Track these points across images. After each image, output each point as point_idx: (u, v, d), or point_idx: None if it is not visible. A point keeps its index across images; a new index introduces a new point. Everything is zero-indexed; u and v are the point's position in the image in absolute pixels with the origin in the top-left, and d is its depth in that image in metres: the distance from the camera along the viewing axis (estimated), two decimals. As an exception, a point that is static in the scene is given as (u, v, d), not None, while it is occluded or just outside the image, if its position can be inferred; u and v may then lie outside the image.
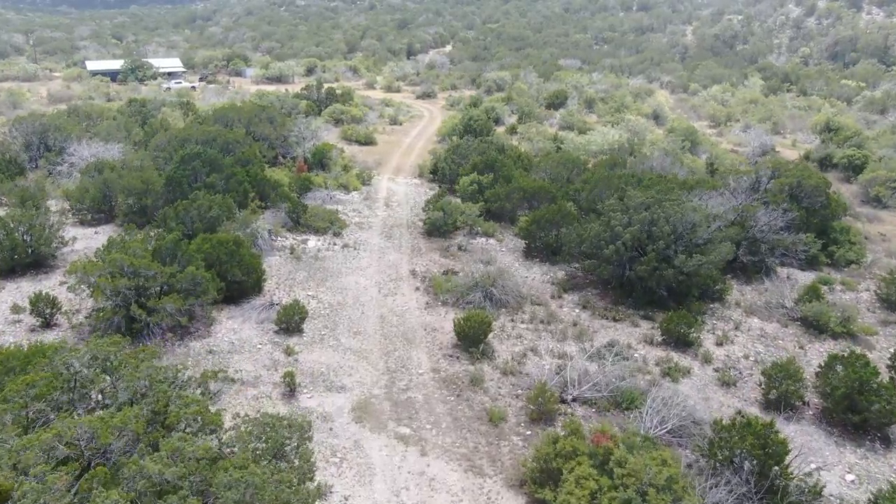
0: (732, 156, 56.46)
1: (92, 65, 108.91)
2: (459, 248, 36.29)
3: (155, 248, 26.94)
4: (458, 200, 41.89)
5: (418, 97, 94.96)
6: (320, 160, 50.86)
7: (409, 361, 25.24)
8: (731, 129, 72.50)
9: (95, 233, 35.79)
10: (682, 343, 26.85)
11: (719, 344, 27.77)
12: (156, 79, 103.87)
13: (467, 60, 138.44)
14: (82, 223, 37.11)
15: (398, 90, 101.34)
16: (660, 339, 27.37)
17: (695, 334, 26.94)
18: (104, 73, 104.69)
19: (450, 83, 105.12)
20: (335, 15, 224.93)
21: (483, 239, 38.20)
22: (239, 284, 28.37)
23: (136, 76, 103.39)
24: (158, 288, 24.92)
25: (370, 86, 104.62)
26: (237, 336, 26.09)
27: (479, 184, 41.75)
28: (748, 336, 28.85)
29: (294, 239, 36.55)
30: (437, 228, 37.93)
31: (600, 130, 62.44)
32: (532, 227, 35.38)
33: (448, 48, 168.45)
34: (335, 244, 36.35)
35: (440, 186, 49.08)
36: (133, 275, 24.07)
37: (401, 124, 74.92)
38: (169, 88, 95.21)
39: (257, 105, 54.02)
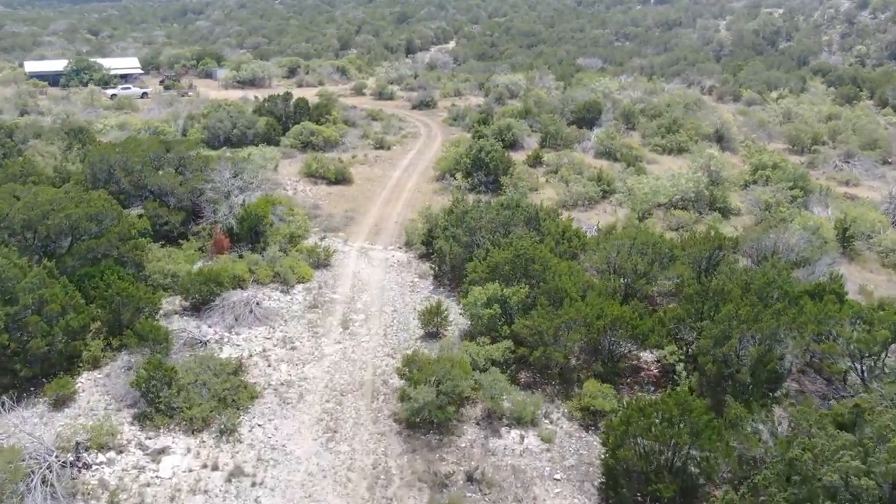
0: (865, 212, 37.16)
1: (31, 65, 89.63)
2: (470, 479, 17.27)
3: None
4: (464, 327, 22.92)
5: (415, 107, 75.64)
6: (252, 228, 31.87)
7: None
8: (821, 155, 53.18)
9: None
10: None
11: None
12: (108, 83, 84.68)
13: (473, 59, 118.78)
14: None
15: (391, 97, 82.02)
16: None
17: None
18: (43, 76, 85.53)
19: (453, 88, 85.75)
20: (332, 8, 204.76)
21: (515, 434, 19.22)
22: None
23: (82, 79, 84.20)
24: None
25: (359, 91, 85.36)
26: None
27: (502, 303, 22.75)
28: None
29: (131, 454, 17.59)
30: (426, 420, 19.01)
31: (666, 169, 43.26)
32: (625, 428, 16.48)
33: (451, 45, 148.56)
34: (215, 467, 17.40)
35: (435, 268, 30.03)
36: None
37: (389, 148, 55.69)
38: (114, 95, 76.04)
39: (160, 141, 34.76)
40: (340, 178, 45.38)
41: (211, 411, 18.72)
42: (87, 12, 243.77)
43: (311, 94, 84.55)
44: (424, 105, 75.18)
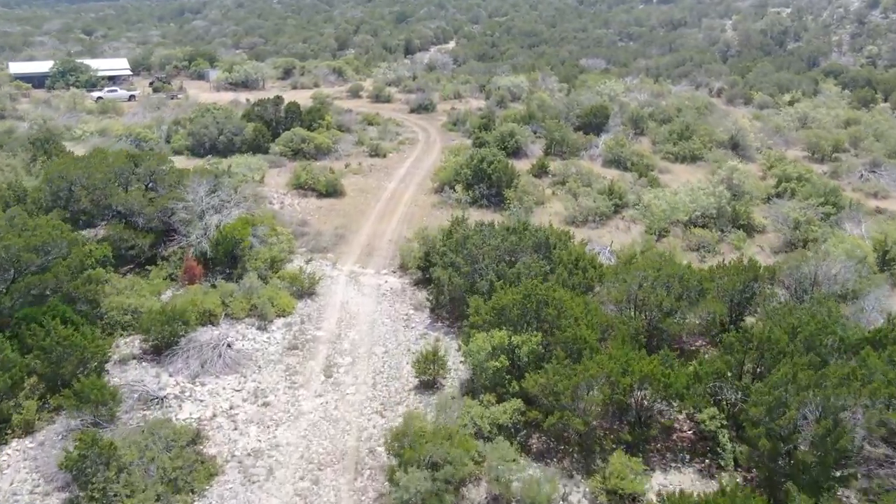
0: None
1: (16, 66, 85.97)
2: None
3: None
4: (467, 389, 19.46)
5: (413, 110, 72.07)
6: (229, 252, 28.40)
7: None
8: (844, 164, 49.64)
9: None
10: None
11: None
12: (95, 84, 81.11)
13: (473, 60, 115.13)
14: None
15: (388, 99, 78.42)
16: None
17: None
18: (28, 78, 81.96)
19: (452, 90, 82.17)
20: (330, 8, 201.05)
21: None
22: None
23: (67, 81, 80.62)
24: None
25: (355, 94, 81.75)
26: None
27: (510, 352, 19.30)
28: None
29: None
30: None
31: (682, 181, 39.80)
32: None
33: (451, 45, 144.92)
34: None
35: (432, 300, 26.56)
36: None
37: (384, 156, 52.15)
38: (100, 98, 72.51)
39: (128, 155, 31.17)
40: (331, 191, 41.87)
41: (157, 500, 15.24)
42: (84, 12, 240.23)
43: (305, 97, 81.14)
44: (423, 108, 71.64)
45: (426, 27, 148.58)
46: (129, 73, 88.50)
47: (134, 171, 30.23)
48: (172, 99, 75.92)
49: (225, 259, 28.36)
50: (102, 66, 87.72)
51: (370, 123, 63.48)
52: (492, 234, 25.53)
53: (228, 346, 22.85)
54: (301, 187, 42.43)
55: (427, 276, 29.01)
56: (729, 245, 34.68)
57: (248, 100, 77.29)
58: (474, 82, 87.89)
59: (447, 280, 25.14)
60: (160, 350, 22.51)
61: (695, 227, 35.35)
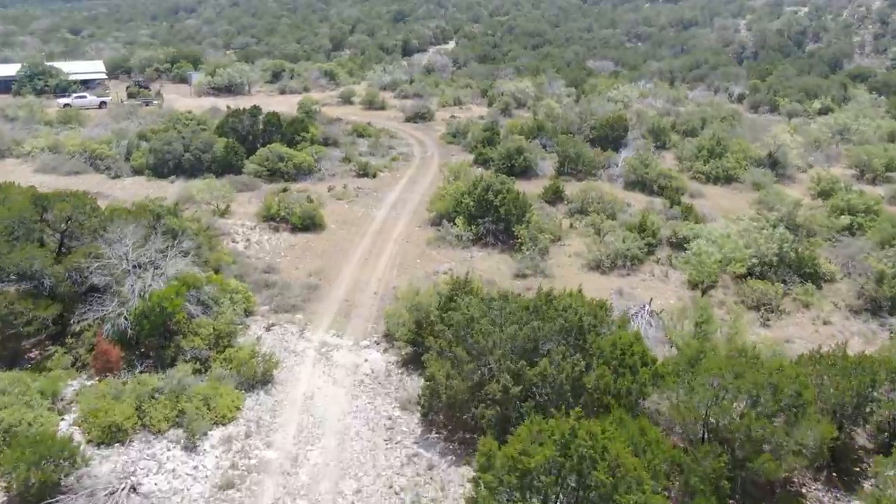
0: None
1: (-19, 70, 78.86)
2: None
3: None
4: None
5: (408, 119, 64.87)
6: (158, 328, 21.33)
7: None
8: (899, 186, 42.60)
9: None
10: None
11: None
12: (66, 89, 73.90)
13: (474, 61, 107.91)
14: None
15: (382, 106, 71.18)
16: None
17: None
18: (-6, 82, 74.85)
19: (452, 96, 74.97)
20: (326, 6, 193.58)
21: None
22: None
23: (35, 86, 73.43)
24: None
25: (346, 100, 74.51)
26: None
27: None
28: None
29: None
30: None
31: (723, 212, 32.72)
32: None
33: (451, 45, 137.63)
34: None
35: (425, 403, 19.51)
36: None
37: (374, 175, 45.03)
38: (67, 105, 65.39)
39: (34, 196, 23.91)
40: (308, 223, 34.79)
41: None
42: (78, 10, 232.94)
43: (293, 103, 73.90)
44: (420, 117, 64.48)
45: (425, 27, 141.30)
46: (104, 76, 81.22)
47: (42, 218, 23.12)
48: (146, 106, 68.72)
49: (153, 337, 21.29)
50: (76, 69, 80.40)
51: (360, 135, 56.33)
52: (506, 317, 18.44)
53: (133, 489, 15.81)
54: (272, 219, 35.35)
55: (419, 350, 22.04)
56: (795, 302, 27.65)
57: (228, 107, 69.99)
58: (476, 87, 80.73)
59: (444, 380, 18.09)
60: None
61: (751, 276, 28.30)
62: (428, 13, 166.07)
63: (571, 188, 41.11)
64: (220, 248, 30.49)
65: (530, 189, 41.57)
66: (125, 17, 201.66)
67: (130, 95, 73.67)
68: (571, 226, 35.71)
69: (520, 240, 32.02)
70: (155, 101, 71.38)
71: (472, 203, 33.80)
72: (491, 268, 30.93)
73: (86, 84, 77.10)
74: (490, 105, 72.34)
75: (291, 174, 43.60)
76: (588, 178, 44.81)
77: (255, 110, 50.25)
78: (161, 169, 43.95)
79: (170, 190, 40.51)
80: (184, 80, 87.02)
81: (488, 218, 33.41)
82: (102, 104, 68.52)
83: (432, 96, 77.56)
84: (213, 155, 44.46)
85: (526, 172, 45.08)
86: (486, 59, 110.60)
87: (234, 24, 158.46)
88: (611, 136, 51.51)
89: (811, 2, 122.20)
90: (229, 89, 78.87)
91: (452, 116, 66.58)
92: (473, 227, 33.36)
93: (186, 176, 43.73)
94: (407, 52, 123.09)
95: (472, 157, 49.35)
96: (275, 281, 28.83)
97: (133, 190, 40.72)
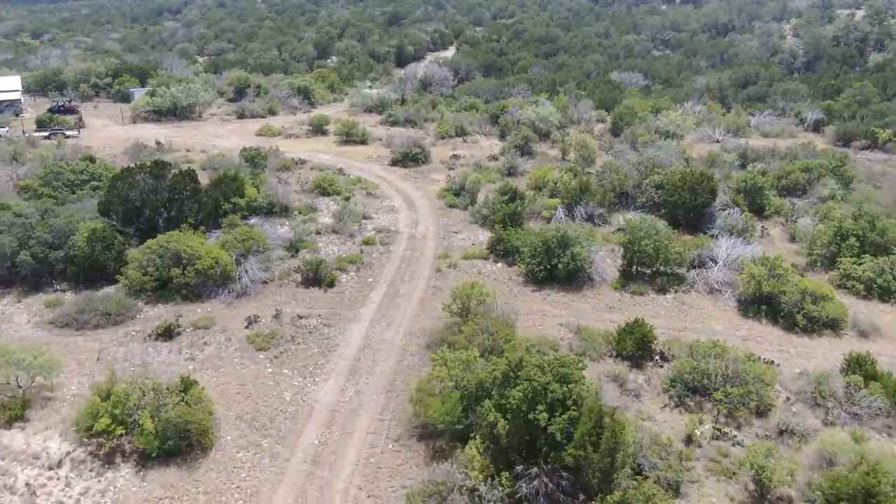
0: None
1: None
2: None
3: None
4: None
5: (396, 161, 46.90)
6: None
7: None
8: None
9: None
10: None
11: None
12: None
13: (478, 72, 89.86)
14: None
15: (363, 139, 53.22)
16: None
17: None
18: None
19: (453, 122, 57.04)
20: (317, 8, 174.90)
21: None
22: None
23: (-80, 110, 55.54)
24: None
25: (318, 129, 56.59)
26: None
27: None
28: None
29: None
30: None
31: None
32: None
33: (451, 51, 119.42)
34: None
35: None
36: None
37: (330, 284, 27.23)
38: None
39: None
40: (176, 445, 17.03)
41: None
42: (59, 11, 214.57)
43: (248, 133, 55.95)
44: (412, 159, 46.52)
45: (422, 30, 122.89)
46: (16, 97, 63.08)
47: None
48: (50, 138, 50.89)
49: None
50: (-17, 87, 62.47)
51: (325, 192, 38.49)
52: None
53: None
54: (107, 435, 17.53)
55: None
56: None
57: (158, 143, 52.37)
58: (482, 110, 62.64)
59: None
60: None
61: None
62: (426, 15, 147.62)
63: (653, 307, 23.53)
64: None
65: (582, 308, 24.03)
66: (102, 19, 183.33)
67: (40, 124, 55.69)
68: (698, 442, 17.90)
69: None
70: (69, 133, 53.42)
71: (505, 426, 15.90)
72: None
73: (-6, 106, 59.22)
74: (503, 136, 54.47)
75: (192, 289, 25.80)
76: (673, 288, 27.13)
77: (159, 168, 32.27)
78: (-16, 274, 26.19)
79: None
80: (126, 98, 69.01)
81: (536, 464, 15.55)
82: (-4, 136, 50.57)
83: (428, 122, 59.72)
84: (68, 252, 26.58)
85: (573, 277, 27.37)
86: (491, 70, 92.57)
87: (213, 27, 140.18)
88: (690, 203, 33.70)
89: (867, 3, 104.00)
90: (175, 113, 60.87)
91: (454, 156, 48.65)
92: (506, 477, 15.52)
93: (26, 290, 26.09)
94: (401, 60, 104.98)
95: (484, 240, 31.67)
96: None
97: None
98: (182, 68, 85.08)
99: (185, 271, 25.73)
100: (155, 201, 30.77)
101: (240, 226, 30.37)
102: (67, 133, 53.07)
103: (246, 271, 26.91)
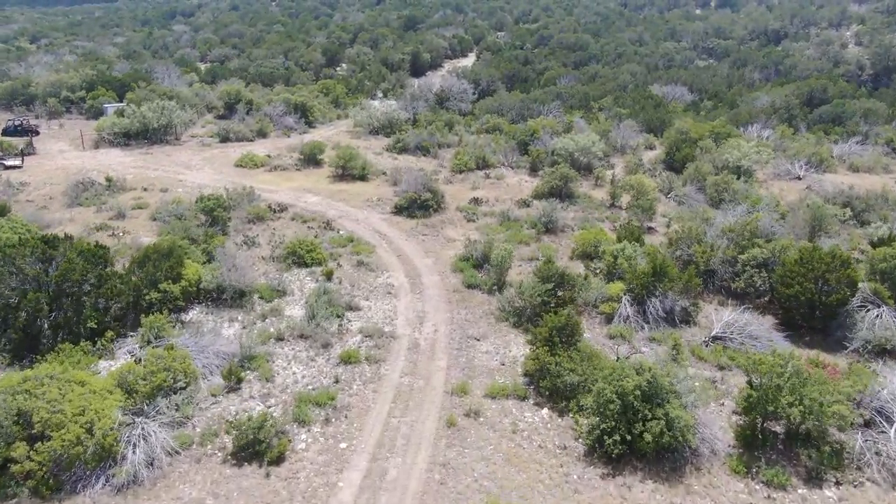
0: None
1: None
2: None
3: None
4: None
5: (401, 208, 36.26)
6: None
7: None
8: None
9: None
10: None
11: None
12: None
13: (501, 84, 79.08)
14: None
15: (363, 175, 42.68)
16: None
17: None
18: None
19: (474, 151, 46.43)
20: (332, 11, 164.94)
21: None
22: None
23: None
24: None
25: (311, 159, 46.24)
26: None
27: None
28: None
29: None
30: None
31: None
32: None
33: (470, 59, 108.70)
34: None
35: None
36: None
37: (274, 462, 16.80)
38: None
39: None
40: None
41: None
42: (72, 14, 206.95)
43: (228, 162, 45.84)
44: (420, 206, 35.80)
45: (439, 36, 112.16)
46: (-35, 115, 53.17)
47: None
48: (-13, 173, 41.21)
49: None
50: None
51: (302, 262, 28.06)
52: None
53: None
54: None
55: None
56: None
57: (109, 180, 42.13)
58: (508, 133, 51.79)
59: None
60: None
61: None
62: (444, 20, 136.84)
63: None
64: None
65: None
66: (110, 23, 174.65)
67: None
68: None
69: None
70: (9, 163, 43.49)
71: None
72: None
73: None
74: (533, 170, 43.83)
75: (50, 477, 15.37)
76: (831, 471, 16.33)
77: (48, 247, 21.86)
78: None
79: None
80: (100, 114, 59.07)
81: None
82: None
83: (444, 147, 49.23)
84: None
85: (665, 456, 16.60)
86: (515, 81, 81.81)
87: (220, 31, 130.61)
88: (818, 299, 22.74)
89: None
90: (146, 135, 50.73)
91: (474, 200, 38.06)
92: None
93: None
94: (416, 68, 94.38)
95: (518, 354, 21.07)
96: None
97: None
98: (175, 78, 75.00)
99: (36, 450, 15.33)
100: (33, 299, 20.41)
101: (165, 332, 19.92)
102: (7, 163, 43.08)
103: (144, 438, 16.47)
